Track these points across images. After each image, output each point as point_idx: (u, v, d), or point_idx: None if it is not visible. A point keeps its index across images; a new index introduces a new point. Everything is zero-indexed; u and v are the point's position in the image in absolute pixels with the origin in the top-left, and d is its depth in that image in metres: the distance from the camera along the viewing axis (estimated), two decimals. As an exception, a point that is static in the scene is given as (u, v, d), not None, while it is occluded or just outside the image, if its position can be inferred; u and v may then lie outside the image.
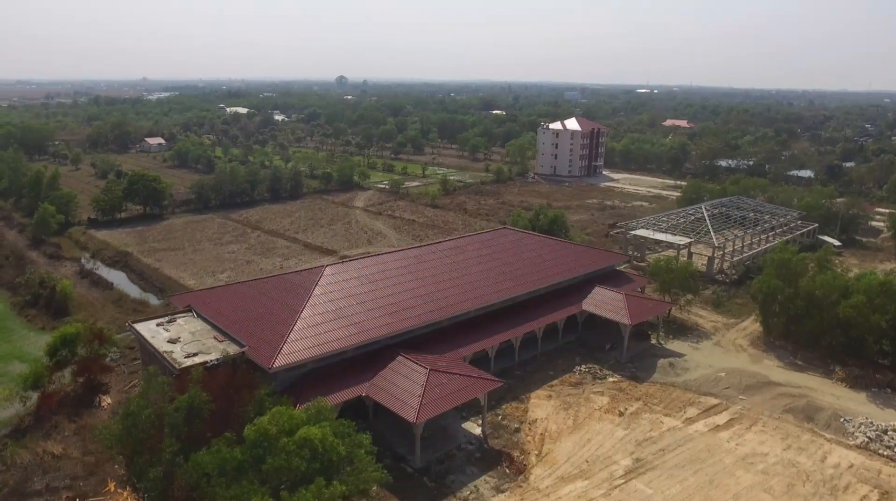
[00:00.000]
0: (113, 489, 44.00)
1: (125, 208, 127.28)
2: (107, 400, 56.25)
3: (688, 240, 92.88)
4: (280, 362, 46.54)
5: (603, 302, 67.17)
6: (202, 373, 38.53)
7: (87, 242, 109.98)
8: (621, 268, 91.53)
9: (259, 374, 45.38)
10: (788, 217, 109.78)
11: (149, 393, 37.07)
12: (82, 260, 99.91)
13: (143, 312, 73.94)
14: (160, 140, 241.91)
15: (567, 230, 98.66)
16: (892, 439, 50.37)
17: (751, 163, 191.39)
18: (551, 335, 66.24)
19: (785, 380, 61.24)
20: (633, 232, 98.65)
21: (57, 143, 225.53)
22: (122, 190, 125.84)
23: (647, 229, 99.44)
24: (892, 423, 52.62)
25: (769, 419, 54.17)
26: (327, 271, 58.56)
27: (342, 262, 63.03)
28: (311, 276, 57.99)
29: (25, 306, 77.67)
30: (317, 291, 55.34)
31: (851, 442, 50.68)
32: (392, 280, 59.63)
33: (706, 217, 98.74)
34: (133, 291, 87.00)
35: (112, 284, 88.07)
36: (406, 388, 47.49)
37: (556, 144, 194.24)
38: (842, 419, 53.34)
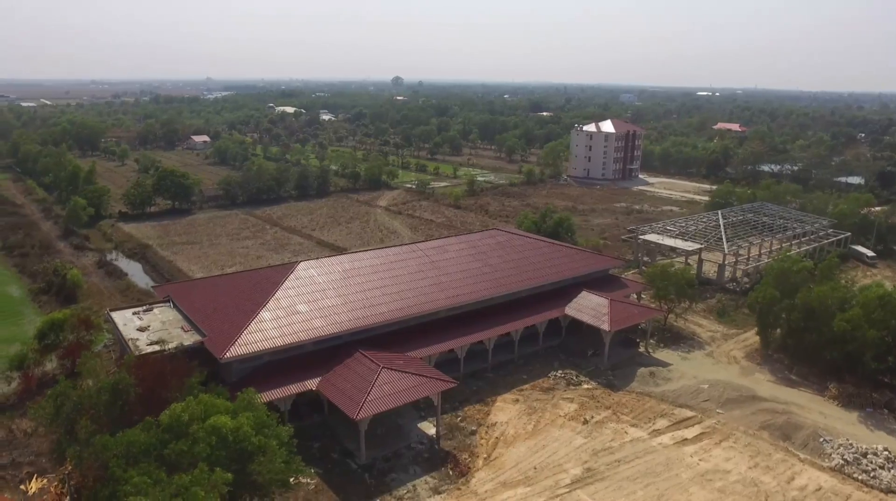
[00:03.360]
0: (70, 467, 46.03)
1: (155, 203, 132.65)
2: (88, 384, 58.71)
3: (697, 246, 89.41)
4: (232, 352, 47.49)
5: (586, 307, 65.47)
6: (134, 359, 39.71)
7: (113, 234, 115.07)
8: (629, 273, 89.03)
9: (199, 364, 46.30)
10: (817, 225, 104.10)
11: (83, 376, 38.50)
12: (106, 252, 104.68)
13: (146, 302, 76.57)
14: (205, 138, 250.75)
15: (573, 233, 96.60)
16: (871, 462, 47.01)
17: (796, 168, 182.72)
18: (533, 339, 65.06)
19: (771, 395, 58.10)
20: (642, 237, 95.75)
21: (109, 140, 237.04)
22: (152, 185, 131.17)
23: (660, 233, 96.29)
24: (875, 446, 49.07)
25: (742, 435, 51.57)
26: (300, 266, 59.37)
27: (317, 258, 63.71)
28: (283, 271, 58.90)
29: (40, 292, 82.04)
30: (286, 284, 56.19)
31: (826, 464, 47.65)
32: (364, 278, 59.86)
33: (721, 223, 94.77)
34: (143, 281, 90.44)
35: (126, 274, 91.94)
36: (356, 384, 47.61)
37: (590, 147, 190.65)
38: (821, 439, 50.14)
